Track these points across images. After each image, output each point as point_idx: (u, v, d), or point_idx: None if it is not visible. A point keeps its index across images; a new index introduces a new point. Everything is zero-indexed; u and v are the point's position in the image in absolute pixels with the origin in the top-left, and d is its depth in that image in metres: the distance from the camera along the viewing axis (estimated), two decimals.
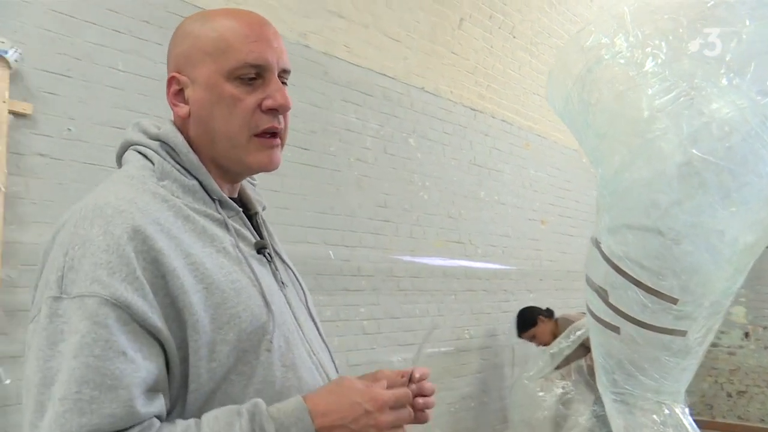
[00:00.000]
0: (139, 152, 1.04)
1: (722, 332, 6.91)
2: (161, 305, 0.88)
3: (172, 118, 1.07)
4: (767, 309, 6.65)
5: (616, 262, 1.15)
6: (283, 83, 1.05)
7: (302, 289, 1.17)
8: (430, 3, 4.24)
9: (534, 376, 4.14)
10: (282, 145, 1.07)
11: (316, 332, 1.14)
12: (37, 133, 2.46)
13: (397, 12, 4.01)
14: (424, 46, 4.23)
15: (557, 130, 5.49)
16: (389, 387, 0.99)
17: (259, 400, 0.92)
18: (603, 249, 1.16)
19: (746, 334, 6.81)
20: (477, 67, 4.67)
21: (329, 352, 1.15)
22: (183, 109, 1.04)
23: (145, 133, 1.06)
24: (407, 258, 3.98)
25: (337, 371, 1.15)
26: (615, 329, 1.19)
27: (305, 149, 3.38)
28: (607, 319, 1.19)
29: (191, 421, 0.89)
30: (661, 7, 1.10)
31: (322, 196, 3.48)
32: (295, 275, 1.17)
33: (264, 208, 1.19)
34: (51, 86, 2.51)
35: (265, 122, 1.02)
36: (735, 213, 1.06)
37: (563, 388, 4.03)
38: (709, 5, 1.07)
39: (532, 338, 4.46)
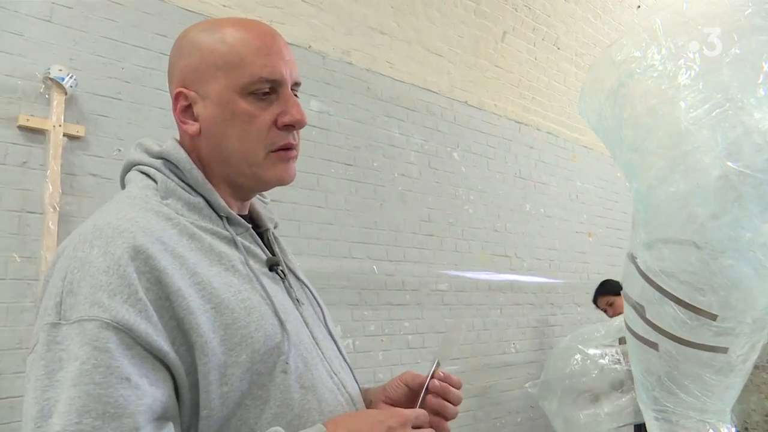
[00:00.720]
0: (142, 171, 0.99)
1: None
2: (167, 327, 0.83)
3: (177, 136, 1.03)
4: None
5: (652, 277, 1.13)
6: (296, 96, 1.01)
7: (320, 306, 1.12)
8: (473, 17, 4.25)
9: (590, 342, 3.85)
10: (296, 157, 1.02)
11: (336, 351, 1.08)
12: (89, 154, 2.56)
13: (439, 27, 4.03)
14: (467, 60, 4.23)
15: None
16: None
17: (278, 429, 0.87)
18: (639, 264, 1.15)
19: None
20: (521, 79, 4.65)
21: (351, 370, 1.10)
22: (193, 126, 0.98)
23: (147, 151, 1.02)
24: (452, 272, 3.96)
25: (360, 390, 1.10)
26: (653, 345, 1.16)
27: (349, 165, 3.41)
28: (645, 335, 1.17)
29: None
30: (694, 17, 1.09)
31: (366, 211, 3.50)
32: (311, 292, 1.12)
33: (276, 226, 1.15)
34: (102, 109, 2.60)
35: (282, 139, 0.98)
36: None
37: (617, 362, 3.70)
38: (746, 13, 1.04)
39: (607, 306, 4.16)
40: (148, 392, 0.78)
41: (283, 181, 1.01)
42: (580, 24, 4.99)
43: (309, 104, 3.26)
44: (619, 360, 3.69)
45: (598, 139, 4.91)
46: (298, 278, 1.10)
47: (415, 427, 0.93)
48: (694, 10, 1.10)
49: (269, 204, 1.17)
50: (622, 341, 3.74)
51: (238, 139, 0.96)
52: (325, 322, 1.10)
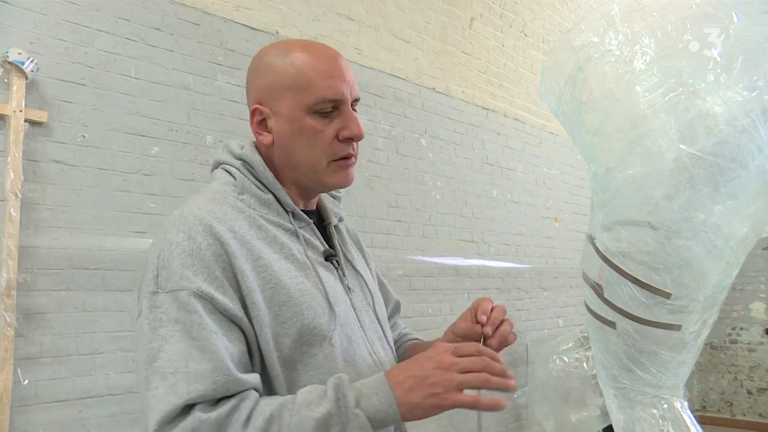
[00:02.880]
0: (226, 170, 1.16)
1: (742, 329, 6.85)
2: (237, 299, 1.00)
3: (254, 140, 1.19)
4: None
5: (610, 257, 1.16)
6: (354, 110, 1.15)
7: (371, 294, 1.25)
8: (440, 3, 4.26)
9: (569, 350, 4.02)
10: (354, 163, 1.17)
11: (381, 333, 1.23)
12: (52, 140, 2.52)
13: (407, 13, 4.03)
14: (434, 47, 4.24)
15: None
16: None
17: (343, 374, 1.02)
18: (597, 245, 1.17)
19: (766, 331, 6.73)
20: (488, 66, 4.68)
21: (393, 351, 1.25)
22: (267, 138, 1.14)
23: (231, 153, 1.18)
24: (419, 258, 3.99)
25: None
26: (611, 324, 1.20)
27: None
28: (603, 315, 1.20)
29: (288, 395, 1.00)
30: (649, 4, 1.11)
31: None
32: (365, 281, 1.25)
33: (341, 219, 1.31)
34: (65, 95, 2.57)
35: (342, 150, 1.13)
36: (728, 207, 1.06)
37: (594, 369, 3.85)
38: (697, 2, 1.08)
39: None
40: (230, 346, 0.98)
41: (342, 185, 1.17)
42: (546, 11, 5.03)
43: None
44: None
45: None
46: (354, 268, 1.24)
47: (461, 356, 1.02)
48: None
49: (341, 198, 1.36)
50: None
51: (304, 150, 1.12)
52: (374, 308, 1.24)
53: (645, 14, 1.10)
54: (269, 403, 0.97)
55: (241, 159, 1.16)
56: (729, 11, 1.04)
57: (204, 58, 3.01)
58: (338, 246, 1.24)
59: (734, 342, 6.92)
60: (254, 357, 1.04)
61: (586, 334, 3.90)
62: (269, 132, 1.14)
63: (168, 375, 0.93)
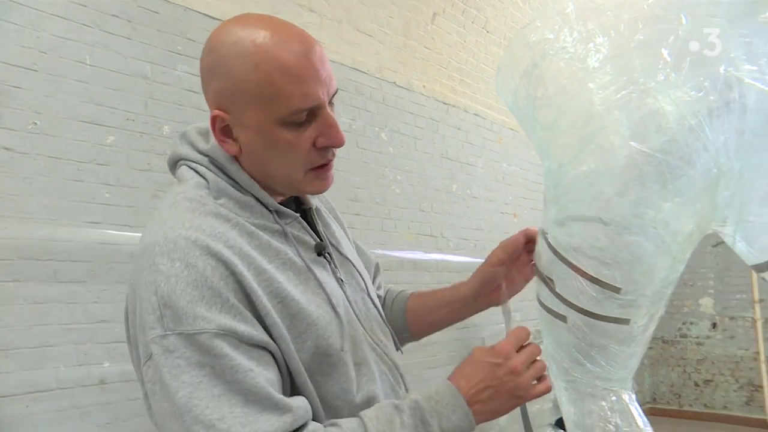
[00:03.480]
0: (192, 168, 1.04)
1: (692, 323, 7.05)
2: (258, 322, 0.93)
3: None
4: (734, 300, 6.77)
5: (561, 252, 1.18)
6: (332, 104, 1.02)
7: (361, 276, 1.21)
8: None
9: None
10: (332, 167, 1.08)
11: (378, 317, 1.20)
12: (1, 126, 2.45)
13: (369, 7, 4.03)
14: (396, 41, 4.24)
15: None
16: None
17: (418, 396, 0.99)
18: (549, 240, 1.19)
19: (714, 325, 6.93)
20: (450, 61, 4.70)
21: (392, 334, 1.23)
22: (233, 147, 1.01)
23: (193, 146, 1.06)
24: (378, 251, 4.00)
25: (398, 348, 1.25)
26: (562, 318, 1.21)
27: None
28: (554, 309, 1.22)
29: (353, 422, 0.95)
30: (604, 3, 1.13)
31: None
32: (353, 265, 1.20)
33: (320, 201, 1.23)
34: (16, 80, 2.50)
35: (320, 159, 1.02)
36: (676, 204, 1.08)
37: None
38: (648, 2, 1.10)
39: None
40: (268, 375, 0.91)
41: (319, 192, 1.09)
42: (509, 8, 5.06)
43: None
44: None
45: None
46: (341, 254, 1.18)
47: (520, 348, 1.06)
48: None
49: None
50: None
51: (278, 163, 1.01)
52: (368, 292, 1.20)
53: (599, 13, 1.12)
54: None
55: (207, 155, 1.04)
56: (678, 13, 1.07)
57: (163, 47, 2.97)
58: (323, 232, 1.17)
59: (684, 336, 7.12)
60: (284, 378, 0.96)
61: (538, 328, 3.95)
62: (235, 140, 1.01)
63: (215, 422, 0.84)
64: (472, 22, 4.83)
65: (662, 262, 1.13)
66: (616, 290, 1.14)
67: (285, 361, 0.96)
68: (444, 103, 4.71)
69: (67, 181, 2.61)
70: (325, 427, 0.94)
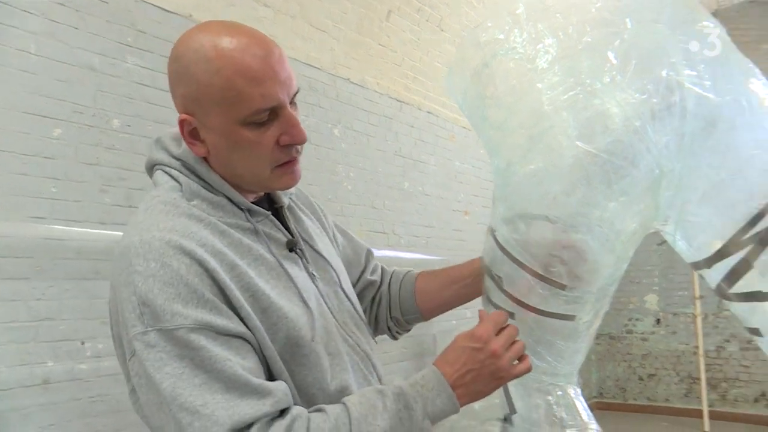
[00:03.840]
0: (166, 172, 1.09)
1: (637, 319, 7.25)
2: (234, 314, 0.97)
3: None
4: (677, 296, 6.98)
5: (509, 250, 1.20)
6: (294, 103, 1.08)
7: (335, 271, 1.24)
8: None
9: None
10: (298, 161, 1.12)
11: (352, 310, 1.24)
12: None
13: (324, 2, 4.01)
14: (351, 38, 4.24)
15: None
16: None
17: (403, 382, 1.04)
18: (498, 238, 1.21)
19: (658, 321, 7.14)
20: (404, 59, 4.72)
21: (366, 325, 1.27)
22: (201, 149, 1.06)
23: (167, 150, 1.11)
24: None
25: (375, 340, 1.32)
26: (510, 315, 1.24)
27: None
28: (502, 306, 1.24)
29: (337, 407, 0.99)
30: (553, 6, 1.15)
31: None
32: (327, 260, 1.23)
33: (291, 197, 1.26)
34: None
35: (284, 156, 1.07)
36: (621, 203, 1.11)
37: None
38: (596, 6, 1.12)
39: None
40: (246, 363, 0.95)
41: (290, 186, 1.13)
42: (463, 7, 5.10)
43: None
44: None
45: None
46: (314, 250, 1.22)
47: (500, 330, 1.10)
48: (553, 0, 1.17)
49: None
50: None
51: (244, 162, 1.05)
52: (341, 285, 1.24)
53: (548, 15, 1.14)
54: (323, 419, 0.97)
55: (179, 159, 1.09)
56: (624, 18, 1.10)
57: (112, 38, 2.90)
58: (295, 229, 1.20)
59: (630, 332, 7.31)
60: (263, 366, 1.01)
61: None
62: (203, 142, 1.05)
63: (198, 407, 0.89)
64: (427, 21, 4.86)
65: (606, 259, 1.16)
66: (562, 287, 1.16)
67: (261, 350, 1.00)
68: (397, 101, 4.73)
69: (11, 174, 2.54)
70: (310, 412, 0.99)
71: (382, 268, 1.52)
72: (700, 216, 1.14)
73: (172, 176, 1.08)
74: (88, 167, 2.77)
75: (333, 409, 0.99)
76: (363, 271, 1.46)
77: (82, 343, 2.69)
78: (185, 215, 1.02)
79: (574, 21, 1.12)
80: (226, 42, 1.00)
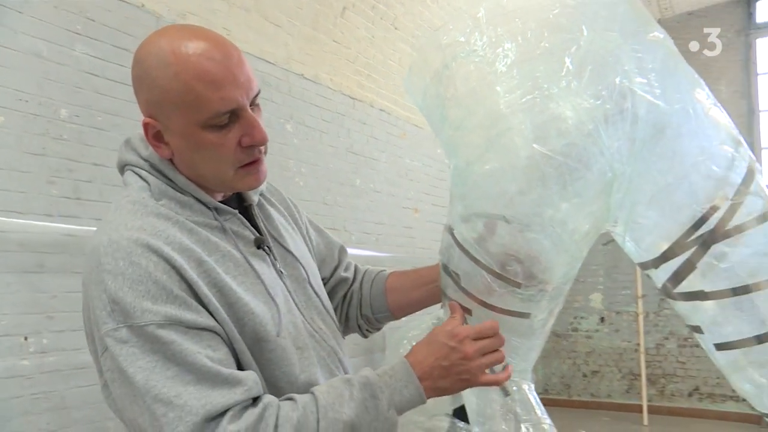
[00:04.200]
0: (135, 173, 1.11)
1: (582, 318, 7.43)
2: (202, 309, 1.00)
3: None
4: (620, 295, 7.18)
5: (467, 248, 1.22)
6: (255, 105, 1.08)
7: (303, 268, 1.25)
8: None
9: (418, 335, 4.13)
10: (263, 161, 1.12)
11: (321, 306, 1.26)
12: None
13: None
14: (305, 33, 4.22)
15: None
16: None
17: (370, 371, 1.08)
18: (456, 236, 1.23)
19: (602, 319, 7.33)
20: (358, 56, 4.72)
21: (334, 321, 1.29)
22: (165, 151, 1.08)
23: (135, 151, 1.13)
24: None
25: (343, 336, 1.35)
26: (467, 311, 1.26)
27: None
28: (459, 303, 1.26)
29: (306, 396, 1.02)
30: (513, 11, 1.18)
31: None
32: (296, 257, 1.25)
33: (261, 193, 1.27)
34: None
35: (247, 157, 1.08)
36: (574, 204, 1.15)
37: None
38: (554, 12, 1.15)
39: None
40: (215, 355, 0.98)
41: (253, 188, 1.15)
42: (417, 6, 5.13)
43: None
44: None
45: None
46: (283, 247, 1.24)
47: (481, 338, 1.13)
48: (513, 4, 1.20)
49: None
50: None
51: (207, 164, 1.07)
52: (309, 281, 1.26)
53: (508, 19, 1.17)
54: (292, 408, 1.00)
55: (147, 161, 1.11)
56: (580, 25, 1.13)
57: (60, 24, 2.82)
58: (263, 227, 1.22)
59: (575, 330, 7.50)
60: (233, 359, 1.03)
61: (436, 321, 4.01)
62: (167, 144, 1.08)
63: (172, 398, 0.92)
64: (381, 18, 4.87)
65: (560, 258, 1.20)
66: (518, 285, 1.19)
67: (231, 343, 1.03)
68: (350, 98, 4.73)
69: None
70: (280, 400, 1.01)
71: (356, 266, 1.53)
72: (648, 218, 1.18)
73: (141, 176, 1.10)
74: (34, 157, 2.70)
75: (302, 398, 1.02)
76: (336, 268, 1.48)
77: (25, 339, 2.62)
78: (153, 214, 1.04)
79: (532, 26, 1.15)
80: (185, 46, 1.02)
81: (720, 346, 1.20)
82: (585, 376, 7.41)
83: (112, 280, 0.95)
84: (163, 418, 0.92)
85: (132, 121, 3.03)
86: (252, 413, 0.96)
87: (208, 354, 0.97)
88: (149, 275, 0.96)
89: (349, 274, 1.50)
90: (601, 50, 1.11)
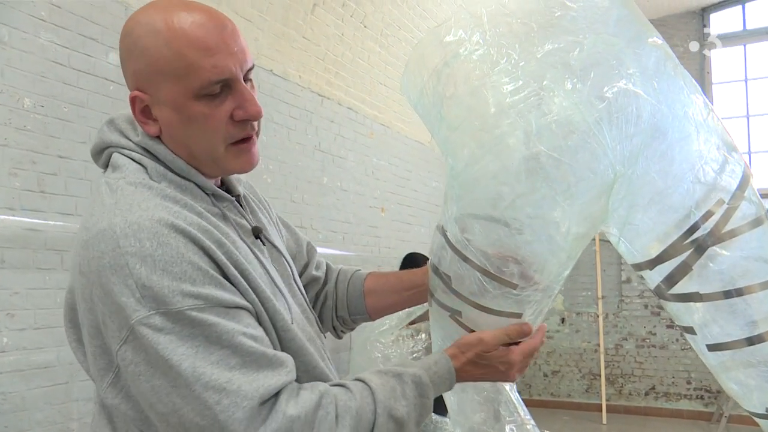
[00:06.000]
0: (126, 156, 1.04)
1: (544, 319, 7.52)
2: (235, 288, 0.97)
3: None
4: (581, 297, 7.30)
5: (461, 249, 1.21)
6: (249, 80, 1.05)
7: (288, 264, 1.23)
8: None
9: (385, 332, 4.10)
10: (256, 143, 1.08)
11: (304, 304, 1.23)
12: None
13: None
14: (275, 29, 4.17)
15: (401, 121, 5.63)
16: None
17: (420, 368, 1.09)
18: (449, 237, 1.22)
19: (563, 320, 7.44)
20: (327, 53, 4.69)
21: (315, 317, 1.27)
22: (153, 127, 1.03)
23: (123, 134, 1.07)
24: None
25: (324, 335, 1.33)
26: (457, 313, 1.25)
27: None
28: (449, 304, 1.25)
29: (359, 385, 1.01)
30: (514, 11, 1.17)
31: None
32: (280, 252, 1.22)
33: (243, 186, 1.24)
34: None
35: (239, 132, 1.03)
36: (571, 206, 1.15)
37: (413, 346, 4.00)
38: (556, 15, 1.15)
39: None
40: (255, 334, 0.95)
41: (246, 169, 1.09)
42: (387, 6, 5.12)
43: (108, 57, 3.03)
44: (413, 335, 3.94)
45: (396, 118, 5.13)
46: (269, 241, 1.20)
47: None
48: (514, 5, 1.19)
49: None
50: (412, 322, 4.02)
51: (197, 138, 1.02)
52: (294, 278, 1.23)
53: (510, 20, 1.16)
54: (349, 397, 0.98)
55: (140, 146, 1.05)
56: (583, 28, 1.14)
57: (23, 10, 2.72)
58: (250, 219, 1.19)
59: None
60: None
61: (413, 319, 4.00)
62: (155, 121, 1.03)
63: (225, 385, 0.88)
64: (351, 16, 4.84)
65: (555, 259, 1.19)
66: (513, 286, 1.19)
67: (259, 322, 1.01)
68: (319, 95, 4.69)
69: None
70: (331, 385, 1.01)
71: (327, 265, 1.50)
72: (645, 220, 1.19)
73: (133, 159, 1.04)
74: None
75: (355, 387, 1.01)
76: (306, 266, 1.45)
77: None
78: (160, 196, 0.98)
79: (534, 27, 1.14)
80: (177, 15, 0.99)
81: (712, 347, 1.21)
82: (546, 375, 7.51)
83: (139, 264, 0.89)
84: (217, 406, 0.87)
85: (99, 113, 2.95)
86: (309, 398, 0.94)
87: (250, 333, 0.94)
88: (182, 256, 0.91)
89: (321, 273, 1.47)
90: (605, 53, 1.11)
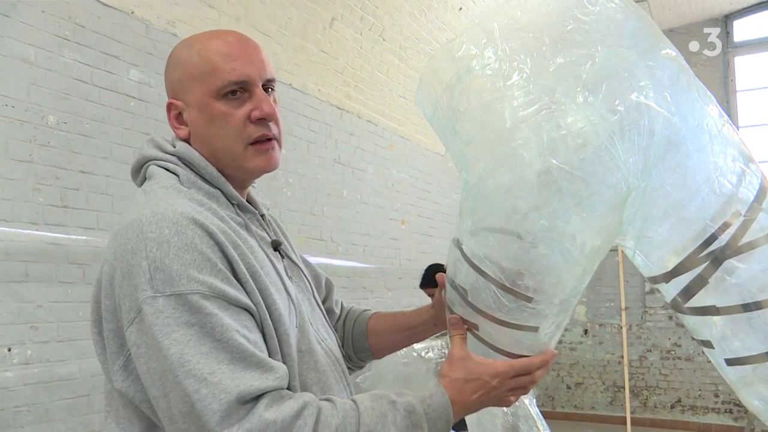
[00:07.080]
0: (161, 167, 1.13)
1: (566, 330, 7.45)
2: (241, 287, 1.01)
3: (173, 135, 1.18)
4: (603, 308, 7.23)
5: (476, 263, 1.21)
6: (271, 90, 1.17)
7: (307, 280, 1.29)
8: (303, 0, 4.24)
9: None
10: (279, 146, 1.17)
11: (323, 319, 1.28)
12: None
13: (269, 6, 3.97)
14: (294, 43, 4.21)
15: (421, 133, 5.64)
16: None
17: (413, 396, 1.07)
18: (465, 250, 1.22)
19: (585, 331, 7.37)
20: (346, 67, 4.72)
21: (335, 336, 1.31)
22: (183, 131, 1.15)
23: (161, 149, 1.16)
24: None
25: (343, 353, 1.34)
26: (474, 326, 1.25)
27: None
28: (467, 318, 1.25)
29: (347, 404, 1.01)
30: (526, 25, 1.18)
31: None
32: (300, 269, 1.28)
33: (268, 209, 1.32)
34: None
35: (257, 131, 1.12)
36: (585, 219, 1.14)
37: (443, 356, 3.91)
38: (568, 28, 1.15)
39: (432, 295, 4.16)
40: (251, 336, 0.98)
41: (265, 170, 1.16)
42: (405, 18, 5.15)
43: (129, 74, 3.08)
44: (444, 353, 3.90)
45: (415, 130, 5.14)
46: (289, 258, 1.26)
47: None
48: (526, 20, 1.20)
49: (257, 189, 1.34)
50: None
51: (218, 137, 1.12)
52: (313, 294, 1.29)
53: (522, 34, 1.16)
54: (332, 413, 0.98)
55: (175, 155, 1.14)
56: (595, 42, 1.14)
57: (49, 30, 2.79)
58: (277, 235, 1.27)
59: (559, 342, 7.45)
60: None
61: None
62: (185, 125, 1.14)
63: (206, 375, 0.90)
64: (369, 30, 4.88)
65: (571, 273, 1.19)
66: (528, 299, 1.18)
67: (262, 326, 1.04)
68: (338, 108, 4.72)
69: None
70: (319, 399, 1.01)
71: (341, 303, 1.55)
72: (660, 233, 1.18)
73: (168, 169, 1.12)
74: (20, 164, 2.66)
75: (342, 405, 1.01)
76: (326, 299, 1.49)
77: (9, 350, 2.57)
78: (187, 198, 1.06)
79: (546, 41, 1.14)
80: (209, 34, 1.17)
81: (731, 362, 1.20)
82: (569, 388, 7.44)
83: (156, 248, 0.95)
84: (195, 395, 0.90)
85: (120, 128, 3.00)
86: (290, 406, 0.95)
87: (245, 334, 0.96)
88: (195, 246, 0.96)
89: (338, 309, 1.52)
90: (617, 66, 1.11)
